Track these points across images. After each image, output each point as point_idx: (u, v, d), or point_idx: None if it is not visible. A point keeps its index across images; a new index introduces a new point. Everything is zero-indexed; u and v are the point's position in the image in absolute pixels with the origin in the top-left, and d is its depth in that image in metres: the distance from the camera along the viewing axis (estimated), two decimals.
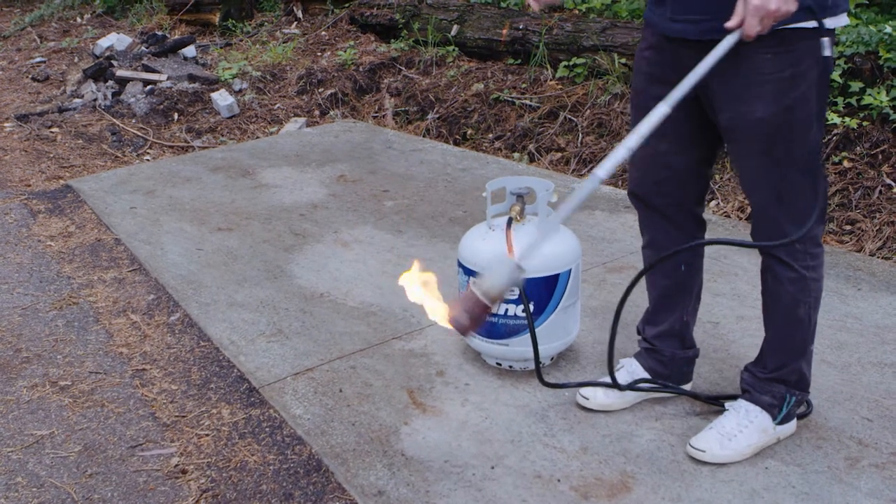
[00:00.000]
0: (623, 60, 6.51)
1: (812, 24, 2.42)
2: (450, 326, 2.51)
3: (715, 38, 2.44)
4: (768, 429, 2.82)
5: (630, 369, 3.13)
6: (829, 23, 2.46)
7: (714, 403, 3.05)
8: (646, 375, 3.10)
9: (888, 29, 5.36)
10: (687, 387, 3.14)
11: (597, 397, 3.07)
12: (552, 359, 3.34)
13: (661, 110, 2.44)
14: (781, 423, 2.84)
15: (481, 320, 2.52)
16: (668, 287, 3.03)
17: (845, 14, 2.53)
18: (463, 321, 2.48)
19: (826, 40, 2.43)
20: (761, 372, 2.86)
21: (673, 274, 2.99)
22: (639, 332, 3.18)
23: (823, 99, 2.57)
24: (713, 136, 2.76)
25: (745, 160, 2.65)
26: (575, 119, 6.36)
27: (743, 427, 2.80)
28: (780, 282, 2.72)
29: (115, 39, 9.04)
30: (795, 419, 2.91)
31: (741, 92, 2.53)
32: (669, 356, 3.07)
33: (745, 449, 2.79)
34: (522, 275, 2.51)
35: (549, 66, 7.06)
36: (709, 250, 4.07)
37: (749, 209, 4.90)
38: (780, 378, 2.83)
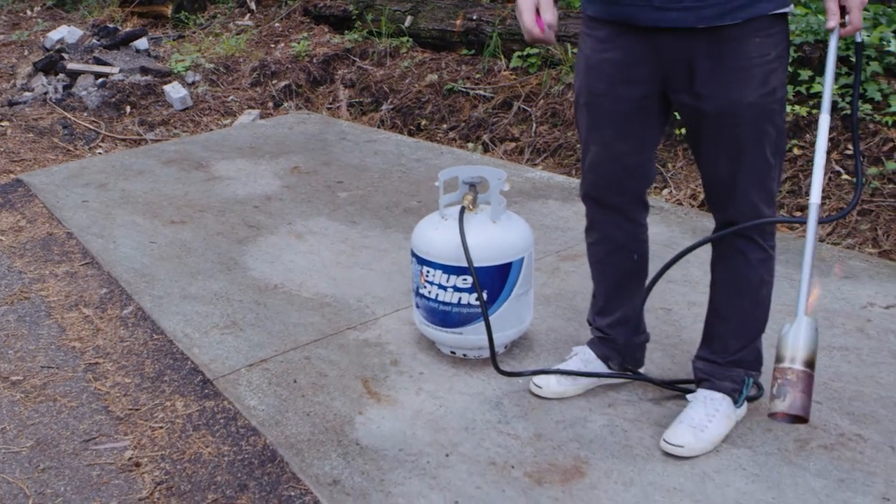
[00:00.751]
0: (576, 50, 6.53)
1: (788, 8, 2.49)
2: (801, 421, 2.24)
3: (719, 25, 2.46)
4: (731, 415, 2.86)
5: (584, 357, 3.14)
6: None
7: (670, 388, 3.09)
8: (599, 362, 3.12)
9: None
10: (640, 371, 3.16)
11: (550, 386, 3.09)
12: (506, 347, 3.36)
13: (826, 119, 2.41)
14: (739, 405, 2.88)
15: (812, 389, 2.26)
16: (620, 279, 3.03)
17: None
18: (807, 404, 2.21)
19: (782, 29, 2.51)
20: (722, 357, 2.88)
21: (626, 265, 3.00)
22: (590, 323, 3.18)
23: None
24: (664, 126, 2.79)
25: (727, 145, 2.62)
26: (529, 109, 6.38)
27: (711, 417, 2.82)
28: (749, 263, 2.75)
29: (66, 32, 8.94)
30: (746, 402, 2.95)
31: (732, 77, 2.52)
32: (623, 343, 3.07)
33: (716, 438, 2.81)
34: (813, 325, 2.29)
35: (502, 56, 7.07)
36: (659, 237, 4.12)
37: (701, 196, 4.95)
38: (739, 360, 2.87)
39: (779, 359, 2.18)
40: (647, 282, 2.96)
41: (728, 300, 2.86)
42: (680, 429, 2.80)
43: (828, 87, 2.43)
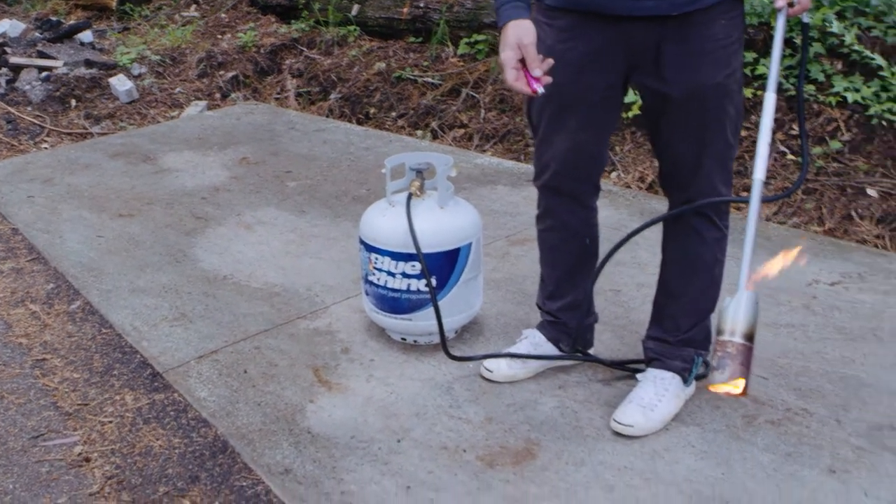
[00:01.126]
0: None
1: None
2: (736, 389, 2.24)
3: (692, 10, 2.46)
4: (680, 393, 2.89)
5: (533, 340, 3.16)
6: None
7: (620, 368, 3.11)
8: (549, 345, 3.13)
9: None
10: (590, 352, 3.19)
11: (500, 369, 3.10)
12: (456, 332, 3.37)
13: (772, 98, 2.40)
14: (689, 384, 2.91)
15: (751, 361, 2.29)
16: (573, 264, 3.04)
17: None
18: (746, 377, 2.23)
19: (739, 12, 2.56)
20: (673, 336, 2.91)
21: (579, 250, 3.01)
22: (539, 307, 3.20)
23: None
24: (620, 112, 2.80)
25: (694, 128, 2.62)
26: (477, 95, 6.39)
27: (661, 396, 2.84)
28: (705, 242, 2.78)
29: (9, 25, 8.82)
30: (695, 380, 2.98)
31: (699, 61, 2.53)
32: (574, 326, 3.07)
33: (666, 417, 2.84)
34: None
35: (450, 43, 7.07)
36: (609, 221, 4.14)
37: (649, 178, 4.99)
38: (690, 339, 2.90)
39: (720, 331, 2.20)
40: (598, 264, 2.97)
41: (681, 279, 2.88)
42: (630, 408, 2.83)
43: (774, 65, 2.44)
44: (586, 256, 3.03)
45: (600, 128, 2.78)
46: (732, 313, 2.20)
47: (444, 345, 3.01)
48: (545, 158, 2.86)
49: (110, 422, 3.02)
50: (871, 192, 4.56)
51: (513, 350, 3.15)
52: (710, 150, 2.65)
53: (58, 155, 5.91)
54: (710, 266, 2.82)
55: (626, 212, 4.50)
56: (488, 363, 3.12)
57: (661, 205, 4.63)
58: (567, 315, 3.09)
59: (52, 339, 3.57)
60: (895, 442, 2.75)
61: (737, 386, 2.16)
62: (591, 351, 3.20)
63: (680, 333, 2.90)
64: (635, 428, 2.79)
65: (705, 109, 2.59)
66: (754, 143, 4.90)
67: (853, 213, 4.45)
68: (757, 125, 5.15)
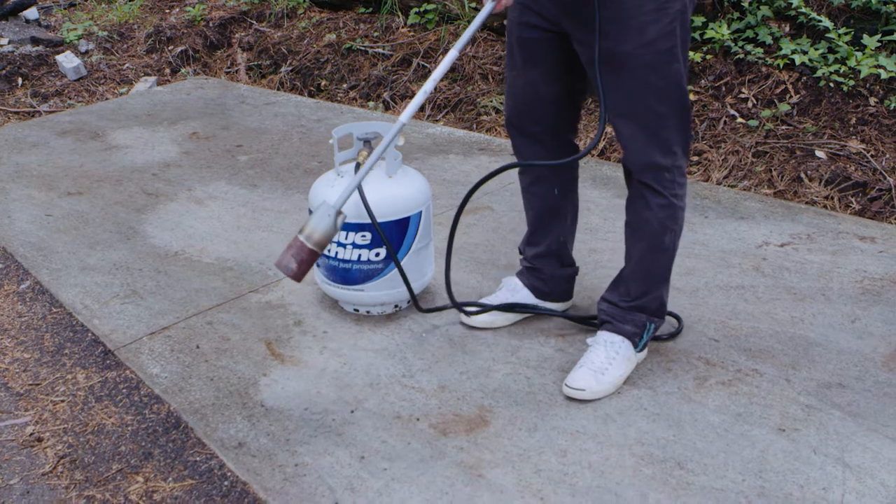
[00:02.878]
0: (473, 4, 6.52)
1: None
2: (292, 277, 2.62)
3: None
4: (632, 357, 2.92)
5: (510, 286, 3.26)
6: None
7: (588, 324, 3.19)
8: (526, 292, 3.26)
9: None
10: (566, 305, 3.31)
11: (481, 315, 3.22)
12: (408, 302, 3.36)
13: (452, 55, 2.65)
14: (640, 350, 2.94)
15: (309, 265, 2.62)
16: (542, 210, 3.13)
17: None
18: (291, 266, 2.60)
19: None
20: (623, 301, 2.94)
21: (547, 197, 3.10)
22: (520, 252, 3.30)
23: (686, 35, 2.67)
24: (581, 67, 2.82)
25: (612, 92, 2.68)
26: (428, 65, 6.36)
27: (612, 360, 2.87)
28: (650, 207, 2.80)
29: None
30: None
31: (608, 28, 2.59)
32: (549, 275, 3.23)
33: (617, 381, 2.87)
34: (343, 219, 2.65)
35: (399, 13, 7.04)
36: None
37: (601, 145, 5.00)
38: (641, 306, 2.93)
39: (301, 230, 2.60)
40: (525, 205, 3.20)
41: (631, 241, 2.92)
42: (581, 373, 2.84)
43: (468, 31, 2.64)
44: (556, 208, 3.12)
45: (551, 71, 2.86)
46: (316, 221, 2.60)
47: (414, 300, 3.13)
48: (507, 95, 3.02)
49: (62, 401, 3.00)
50: (819, 153, 4.60)
51: (489, 299, 3.24)
52: (629, 116, 2.71)
53: (4, 134, 5.82)
54: (658, 233, 2.83)
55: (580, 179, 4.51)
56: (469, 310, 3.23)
57: (617, 171, 4.64)
58: (543, 263, 3.22)
59: (2, 319, 3.53)
60: (843, 400, 2.78)
61: (292, 277, 2.61)
62: (570, 301, 3.33)
63: (629, 299, 2.93)
64: (587, 392, 2.81)
65: (619, 77, 2.65)
66: (704, 107, 4.94)
67: (802, 175, 4.49)
68: (707, 89, 5.18)
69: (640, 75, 2.63)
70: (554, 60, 2.84)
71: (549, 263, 3.21)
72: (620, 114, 2.71)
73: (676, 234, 2.87)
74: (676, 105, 2.69)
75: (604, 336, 2.94)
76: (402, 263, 3.14)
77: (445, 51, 6.38)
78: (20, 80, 7.21)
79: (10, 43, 7.74)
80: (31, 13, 8.55)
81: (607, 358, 2.87)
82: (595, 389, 2.82)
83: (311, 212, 3.23)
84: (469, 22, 6.51)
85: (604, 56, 2.62)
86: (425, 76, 6.29)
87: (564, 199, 3.13)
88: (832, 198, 4.33)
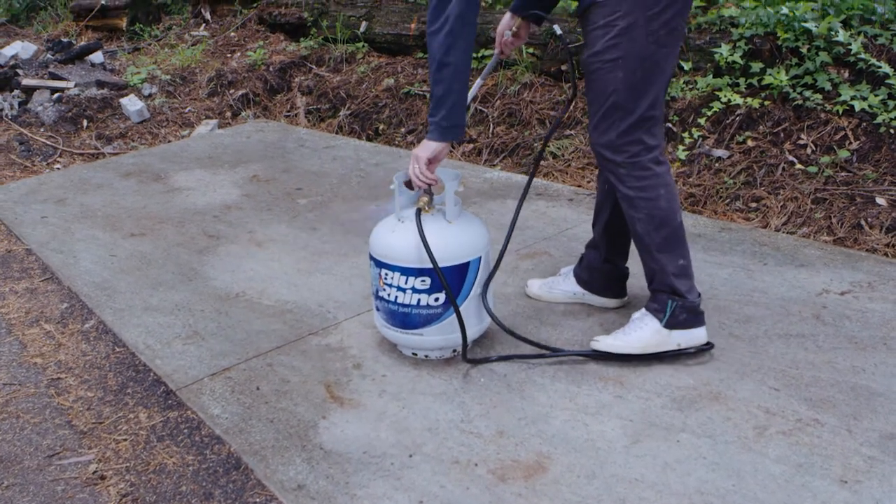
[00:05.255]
0: (531, 50, 6.57)
1: None
2: None
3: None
4: (660, 330, 3.24)
5: (565, 271, 3.81)
6: None
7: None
8: (572, 279, 3.74)
9: (784, 10, 5.49)
10: (611, 301, 3.70)
11: (532, 287, 3.84)
12: (468, 346, 3.38)
13: (477, 84, 3.63)
14: (670, 326, 3.24)
15: None
16: (597, 200, 3.54)
17: None
18: None
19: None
20: (649, 285, 3.31)
21: (601, 189, 3.48)
22: None
23: (635, 46, 2.96)
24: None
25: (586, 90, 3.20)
26: (485, 110, 6.41)
27: (637, 328, 3.27)
28: (619, 200, 3.22)
29: (20, 48, 8.90)
30: (700, 328, 3.27)
31: (584, 38, 3.11)
32: (587, 264, 3.66)
33: (635, 342, 3.25)
34: None
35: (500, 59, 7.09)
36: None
37: None
38: (658, 289, 3.26)
39: None
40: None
41: (623, 217, 3.32)
42: (609, 336, 3.32)
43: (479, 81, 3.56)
44: (603, 199, 3.49)
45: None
46: None
47: (464, 347, 3.23)
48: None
49: (125, 440, 3.04)
50: (880, 200, 4.56)
51: (550, 279, 3.82)
52: (590, 116, 3.17)
53: (70, 175, 5.95)
54: (631, 224, 3.21)
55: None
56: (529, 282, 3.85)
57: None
58: (588, 251, 3.66)
59: (67, 358, 3.60)
60: None
61: None
62: (618, 301, 3.72)
63: (650, 284, 3.30)
64: (600, 343, 3.28)
65: (586, 81, 3.14)
66: (763, 153, 4.92)
67: (862, 222, 4.46)
68: (765, 135, 5.17)
69: (590, 81, 3.10)
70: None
71: (591, 254, 3.63)
72: (589, 109, 3.18)
73: (645, 222, 3.17)
74: (619, 107, 3.04)
75: (637, 313, 3.32)
76: (460, 308, 3.16)
77: (503, 95, 6.43)
78: (86, 123, 7.37)
79: (76, 86, 7.91)
80: (97, 57, 8.73)
81: (633, 327, 3.28)
82: (609, 343, 3.27)
83: (371, 257, 3.27)
84: (527, 68, 6.56)
85: (581, 61, 3.15)
86: (482, 121, 6.35)
87: (606, 196, 3.44)
88: (893, 245, 4.29)
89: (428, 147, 3.12)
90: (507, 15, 3.52)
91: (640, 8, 2.91)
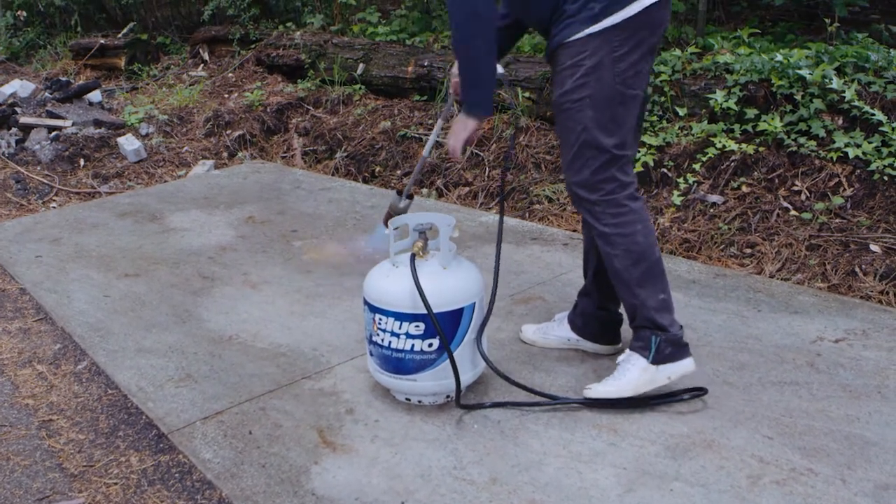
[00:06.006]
0: (527, 94, 6.61)
1: (579, 34, 3.02)
2: None
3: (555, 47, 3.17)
4: (648, 367, 3.25)
5: (560, 317, 3.80)
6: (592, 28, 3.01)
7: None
8: (566, 325, 3.74)
9: (779, 57, 5.53)
10: (603, 347, 3.70)
11: (526, 333, 3.85)
12: (461, 392, 3.37)
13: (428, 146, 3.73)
14: (657, 362, 3.25)
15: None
16: (586, 248, 3.61)
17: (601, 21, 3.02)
18: None
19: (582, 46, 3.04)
20: (630, 322, 3.33)
21: (587, 236, 3.54)
22: None
23: (602, 87, 3.05)
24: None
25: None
26: (481, 153, 6.44)
27: (625, 371, 3.28)
28: (595, 238, 3.26)
29: (19, 86, 8.94)
30: (687, 359, 3.29)
31: (554, 79, 3.19)
32: (581, 311, 3.68)
33: (626, 385, 3.26)
34: None
35: (455, 102, 7.11)
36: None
37: None
38: (640, 325, 3.28)
39: None
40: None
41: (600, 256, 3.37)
42: (600, 383, 3.33)
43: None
44: (589, 250, 3.56)
45: None
46: None
47: (458, 392, 3.21)
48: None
49: (115, 483, 3.02)
50: (874, 247, 4.58)
51: (544, 325, 3.83)
52: (562, 155, 3.25)
53: (66, 214, 5.96)
54: (607, 260, 3.25)
55: None
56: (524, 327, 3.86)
57: (669, 263, 4.64)
58: (580, 298, 3.69)
59: (59, 399, 3.59)
60: None
61: None
62: (611, 348, 3.70)
63: (631, 322, 3.32)
64: (592, 391, 3.29)
65: (556, 121, 3.21)
66: (758, 199, 4.94)
67: (857, 269, 4.47)
68: (760, 181, 5.19)
69: (560, 120, 3.17)
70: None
71: (585, 301, 3.66)
72: (561, 150, 3.26)
73: (622, 258, 3.20)
74: (594, 147, 3.10)
75: (622, 356, 3.35)
76: (455, 354, 3.16)
77: (499, 139, 6.45)
78: (82, 162, 7.38)
79: (73, 125, 7.93)
80: (95, 96, 8.77)
81: (622, 370, 3.30)
82: (599, 389, 3.28)
83: (365, 302, 3.26)
84: (522, 112, 6.59)
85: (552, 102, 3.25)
86: (478, 164, 6.36)
87: (592, 242, 3.45)
88: (887, 293, 4.30)
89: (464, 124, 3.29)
90: None
91: (605, 48, 3.00)
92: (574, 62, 3.04)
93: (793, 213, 4.97)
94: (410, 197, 3.69)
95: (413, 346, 3.16)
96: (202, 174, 7.00)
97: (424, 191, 6.28)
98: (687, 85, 5.88)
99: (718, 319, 3.96)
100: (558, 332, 3.75)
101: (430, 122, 7.02)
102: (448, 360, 3.14)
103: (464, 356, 3.22)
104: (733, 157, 5.35)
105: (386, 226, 3.41)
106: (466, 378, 3.28)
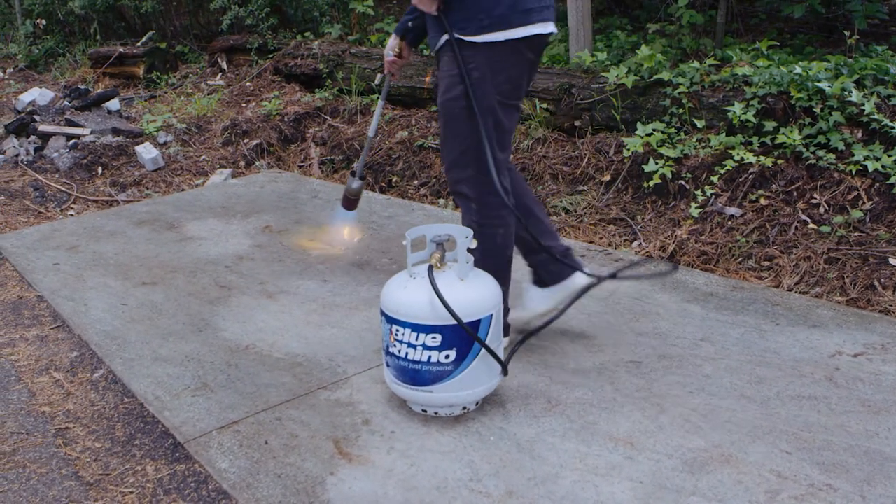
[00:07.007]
0: (544, 105, 6.60)
1: (472, 38, 3.30)
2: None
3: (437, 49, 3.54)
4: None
5: (528, 288, 3.98)
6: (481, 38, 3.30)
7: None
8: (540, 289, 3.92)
9: (798, 69, 5.51)
10: (583, 277, 3.82)
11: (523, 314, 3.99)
12: (477, 403, 3.36)
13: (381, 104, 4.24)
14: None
15: None
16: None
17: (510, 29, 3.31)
18: None
19: (470, 54, 3.32)
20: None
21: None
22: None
23: (485, 96, 3.34)
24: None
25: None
26: None
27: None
28: (467, 210, 3.53)
29: (38, 94, 8.97)
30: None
31: (439, 82, 3.47)
32: (535, 265, 3.86)
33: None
34: None
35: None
36: (630, 290, 4.14)
37: (670, 248, 5.00)
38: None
39: None
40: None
41: None
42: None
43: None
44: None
45: None
46: None
47: (498, 360, 3.28)
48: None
49: (131, 492, 3.02)
50: (893, 261, 4.55)
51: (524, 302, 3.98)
52: (443, 153, 3.54)
53: (83, 222, 5.98)
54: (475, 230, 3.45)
55: (648, 282, 4.50)
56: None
57: (686, 276, 4.63)
58: (529, 258, 3.86)
59: (75, 407, 3.59)
60: None
61: None
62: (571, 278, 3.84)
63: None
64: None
65: (441, 122, 3.50)
66: (776, 211, 4.92)
67: (876, 283, 4.44)
68: (778, 194, 5.17)
69: (445, 122, 3.45)
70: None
71: (532, 258, 3.85)
72: (442, 149, 3.57)
73: (489, 254, 3.48)
74: (474, 149, 3.38)
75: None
76: (471, 366, 3.16)
77: (516, 150, 6.45)
78: (100, 170, 7.41)
79: (92, 133, 7.96)
80: (114, 104, 8.80)
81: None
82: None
83: (382, 313, 3.26)
84: (540, 123, 6.58)
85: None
86: None
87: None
88: None
89: None
90: (392, 36, 3.92)
91: (486, 60, 3.30)
92: (461, 71, 3.32)
93: (811, 226, 4.95)
94: (363, 178, 4.16)
95: (430, 357, 3.15)
96: (219, 183, 7.01)
97: (441, 201, 6.28)
98: (705, 97, 5.86)
99: (736, 333, 3.94)
100: (538, 297, 3.92)
101: None
102: (464, 372, 3.15)
103: (480, 368, 3.21)
104: (751, 170, 5.33)
105: (343, 207, 4.17)
106: (481, 391, 3.27)
